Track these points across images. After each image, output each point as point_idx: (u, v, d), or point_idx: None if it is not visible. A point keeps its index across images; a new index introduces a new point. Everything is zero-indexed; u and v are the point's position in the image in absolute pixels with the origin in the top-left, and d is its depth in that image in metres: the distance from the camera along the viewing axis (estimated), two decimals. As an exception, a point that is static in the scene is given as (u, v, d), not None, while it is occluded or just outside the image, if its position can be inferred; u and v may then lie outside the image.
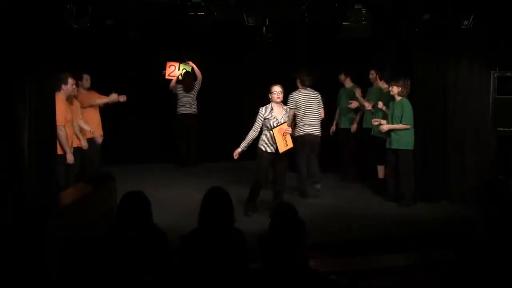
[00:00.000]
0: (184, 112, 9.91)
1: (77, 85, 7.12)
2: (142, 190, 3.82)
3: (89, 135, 7.44)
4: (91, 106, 7.73)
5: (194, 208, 3.96)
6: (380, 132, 7.85)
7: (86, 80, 7.81)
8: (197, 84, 9.99)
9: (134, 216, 3.75)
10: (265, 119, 6.68)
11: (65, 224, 4.48)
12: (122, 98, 8.02)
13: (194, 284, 3.71)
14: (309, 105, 7.81)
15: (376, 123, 7.75)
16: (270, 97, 6.76)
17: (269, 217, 3.84)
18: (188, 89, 9.88)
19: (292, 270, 3.71)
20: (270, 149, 6.73)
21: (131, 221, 3.74)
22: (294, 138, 7.10)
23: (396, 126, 7.33)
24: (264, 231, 4.02)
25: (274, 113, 6.72)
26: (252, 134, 6.72)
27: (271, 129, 6.63)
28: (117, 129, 9.35)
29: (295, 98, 7.79)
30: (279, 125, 6.65)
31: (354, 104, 8.63)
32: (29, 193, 4.47)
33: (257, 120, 6.73)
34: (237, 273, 3.77)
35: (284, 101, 7.23)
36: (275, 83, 6.85)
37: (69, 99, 6.73)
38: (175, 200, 7.55)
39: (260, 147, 6.78)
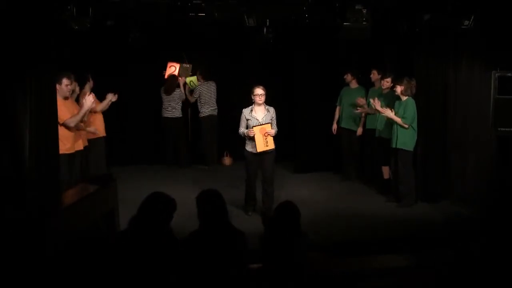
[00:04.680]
0: (165, 115, 9.89)
1: (82, 86, 7.17)
2: (142, 192, 3.85)
3: (94, 135, 7.50)
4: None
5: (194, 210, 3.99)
6: (384, 132, 7.85)
7: (89, 80, 7.81)
8: (178, 90, 9.91)
9: (156, 217, 3.80)
10: (246, 119, 6.85)
11: (66, 225, 4.48)
12: (114, 97, 7.81)
13: (194, 285, 3.73)
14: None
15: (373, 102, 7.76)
16: (252, 98, 6.87)
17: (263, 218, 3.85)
18: (167, 91, 9.83)
19: (292, 270, 3.72)
20: (254, 150, 6.83)
21: (152, 222, 3.78)
22: None
23: (395, 118, 7.29)
24: (266, 231, 4.04)
25: (254, 113, 6.86)
26: (241, 131, 6.91)
27: (242, 130, 6.83)
28: (117, 130, 9.36)
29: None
30: (261, 124, 6.77)
31: (360, 109, 8.61)
32: (30, 193, 4.48)
33: (240, 121, 6.92)
34: (237, 273, 3.78)
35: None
36: (258, 84, 6.96)
37: (70, 99, 6.71)
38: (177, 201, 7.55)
39: (246, 148, 6.92)
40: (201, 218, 3.91)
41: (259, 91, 6.84)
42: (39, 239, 3.91)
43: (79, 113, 6.43)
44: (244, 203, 7.20)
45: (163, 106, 9.88)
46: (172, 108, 9.85)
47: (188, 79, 9.96)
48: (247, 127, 6.84)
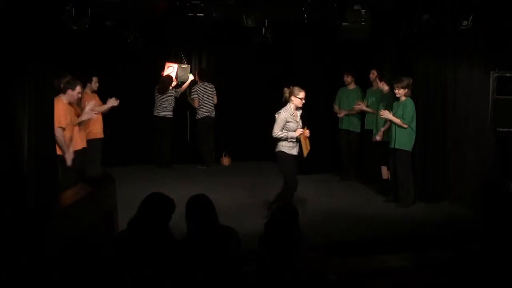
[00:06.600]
0: (156, 114, 9.90)
1: (85, 86, 7.14)
2: (140, 192, 3.86)
3: (92, 136, 7.49)
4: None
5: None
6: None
7: (95, 83, 7.84)
8: (173, 90, 9.95)
9: (155, 218, 3.80)
10: (287, 122, 6.54)
11: (65, 225, 4.47)
12: (116, 102, 7.72)
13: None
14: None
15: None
16: (292, 99, 6.57)
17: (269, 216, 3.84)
18: (160, 91, 9.84)
19: (291, 271, 3.71)
20: (294, 152, 6.64)
21: (151, 223, 3.78)
22: None
23: (395, 119, 7.29)
24: (264, 232, 4.03)
25: (295, 116, 6.62)
26: (280, 134, 6.55)
27: (294, 134, 6.56)
28: (115, 130, 9.33)
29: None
30: (301, 131, 6.59)
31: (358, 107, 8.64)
32: (30, 193, 4.47)
33: (277, 123, 6.55)
34: (230, 272, 3.78)
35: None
36: (301, 87, 6.62)
37: (71, 104, 6.67)
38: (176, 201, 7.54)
39: (284, 150, 6.60)
40: (189, 225, 3.91)
41: (303, 94, 6.55)
42: (39, 239, 3.90)
43: (79, 119, 6.48)
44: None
45: (155, 105, 9.91)
46: (164, 107, 9.85)
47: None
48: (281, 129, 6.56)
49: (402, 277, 5.13)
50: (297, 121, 6.64)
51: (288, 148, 6.60)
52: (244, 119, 10.48)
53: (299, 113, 6.70)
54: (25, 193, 4.40)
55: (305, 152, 6.70)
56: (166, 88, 9.82)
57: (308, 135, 6.70)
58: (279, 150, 6.61)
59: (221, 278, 3.71)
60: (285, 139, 6.55)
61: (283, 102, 6.75)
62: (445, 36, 7.33)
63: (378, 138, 7.91)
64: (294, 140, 6.60)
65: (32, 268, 3.78)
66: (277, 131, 6.54)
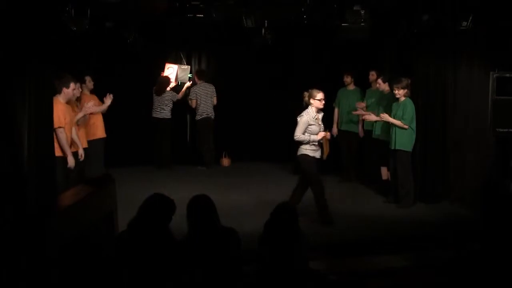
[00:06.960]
0: (154, 115, 9.91)
1: (81, 87, 7.13)
2: (140, 193, 3.87)
3: (92, 137, 7.49)
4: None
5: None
6: (380, 133, 7.86)
7: (89, 82, 7.81)
8: (170, 92, 9.96)
9: (156, 219, 3.82)
10: (309, 125, 6.51)
11: (65, 225, 4.47)
12: (109, 99, 7.61)
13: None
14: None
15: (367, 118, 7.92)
16: (312, 102, 6.54)
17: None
18: (157, 92, 9.85)
19: (290, 271, 3.71)
20: (317, 155, 6.63)
21: (152, 223, 3.79)
22: None
23: (395, 121, 7.30)
24: (264, 232, 4.04)
25: (317, 119, 6.60)
26: (302, 137, 6.51)
27: (316, 137, 6.53)
28: (115, 130, 9.33)
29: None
30: (323, 133, 6.58)
31: (358, 112, 8.63)
32: (30, 193, 4.47)
33: (300, 127, 6.51)
34: (230, 272, 3.78)
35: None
36: (319, 88, 6.62)
37: (69, 103, 6.68)
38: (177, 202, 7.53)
39: (308, 153, 6.56)
40: (190, 225, 3.91)
41: (322, 94, 6.54)
42: (39, 239, 3.90)
43: (77, 116, 6.48)
44: (323, 210, 6.66)
45: (153, 106, 9.91)
46: (161, 109, 9.85)
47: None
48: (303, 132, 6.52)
49: (402, 277, 5.14)
50: (319, 124, 6.61)
51: (311, 151, 6.57)
52: (244, 119, 10.48)
53: (320, 115, 6.67)
54: (25, 193, 4.40)
55: (325, 155, 6.69)
56: (163, 89, 9.82)
57: (329, 137, 6.69)
58: (302, 153, 6.58)
59: (221, 278, 3.72)
60: (307, 142, 6.53)
61: (304, 107, 6.68)
62: (445, 36, 7.33)
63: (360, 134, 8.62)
64: (317, 143, 6.58)
65: (32, 268, 3.78)
66: (299, 134, 6.51)
